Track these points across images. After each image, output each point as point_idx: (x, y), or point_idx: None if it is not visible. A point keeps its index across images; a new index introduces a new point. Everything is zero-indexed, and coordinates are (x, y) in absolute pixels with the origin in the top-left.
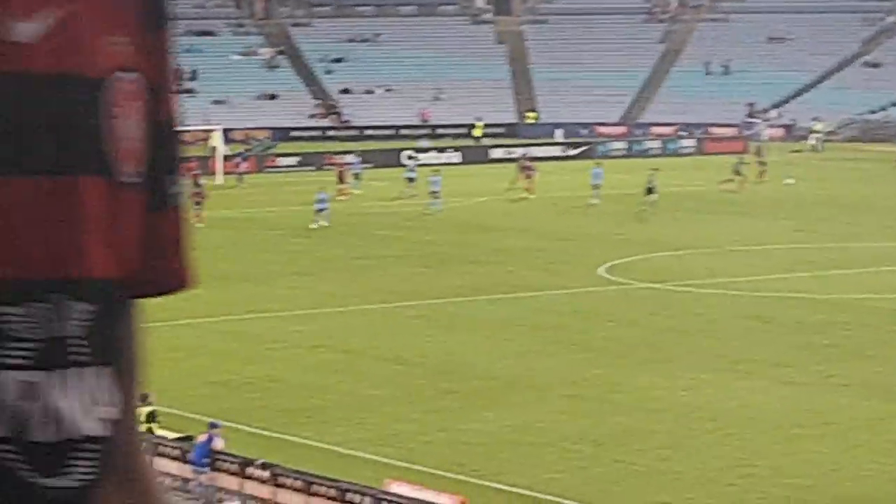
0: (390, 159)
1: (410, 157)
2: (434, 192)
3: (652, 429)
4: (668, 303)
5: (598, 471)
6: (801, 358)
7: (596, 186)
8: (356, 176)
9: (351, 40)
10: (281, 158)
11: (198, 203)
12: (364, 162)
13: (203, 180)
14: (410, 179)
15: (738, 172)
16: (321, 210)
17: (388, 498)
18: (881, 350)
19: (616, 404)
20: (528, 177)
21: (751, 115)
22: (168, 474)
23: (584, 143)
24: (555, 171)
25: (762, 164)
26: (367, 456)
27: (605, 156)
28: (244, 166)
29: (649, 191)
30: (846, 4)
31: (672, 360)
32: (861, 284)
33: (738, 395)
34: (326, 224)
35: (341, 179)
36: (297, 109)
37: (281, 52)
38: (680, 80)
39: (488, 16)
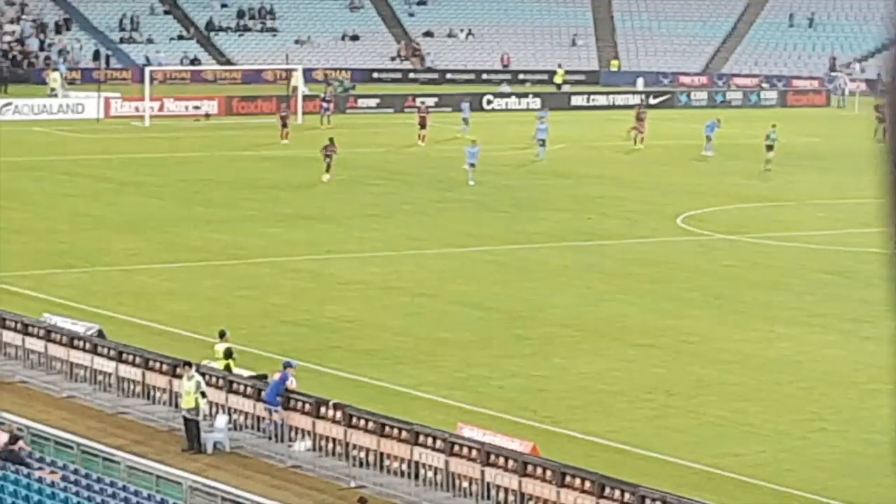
0: (473, 103)
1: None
2: (541, 140)
3: (725, 380)
4: (745, 255)
5: (669, 421)
6: (877, 314)
7: (709, 138)
8: (465, 121)
9: None
10: (361, 100)
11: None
12: (442, 105)
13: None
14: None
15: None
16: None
17: (461, 441)
18: None
19: (690, 355)
20: (640, 129)
21: (832, 69)
22: (242, 412)
23: (665, 92)
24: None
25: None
26: (440, 399)
27: (687, 106)
28: (329, 107)
29: (769, 148)
30: None
31: (747, 313)
32: None
33: (813, 349)
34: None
35: (422, 124)
36: (378, 51)
37: None
38: (763, 31)
39: None
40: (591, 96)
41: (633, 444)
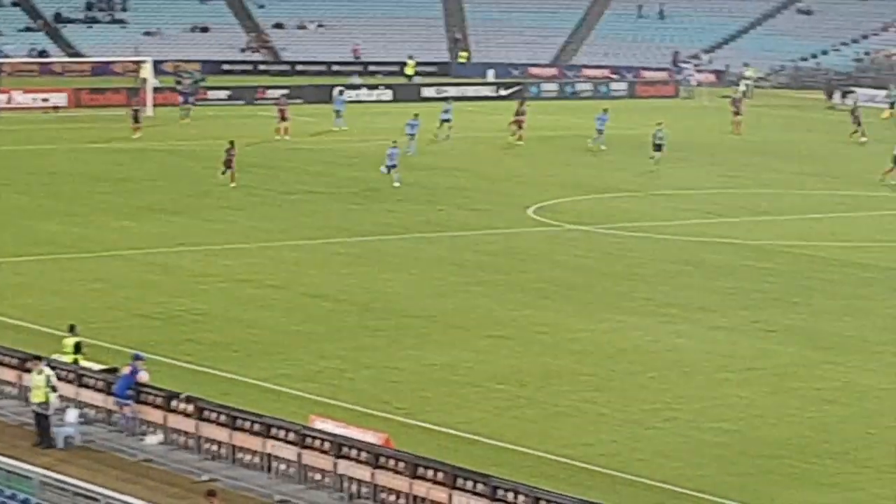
0: (322, 95)
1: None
2: (411, 135)
3: (576, 370)
4: (596, 245)
5: (521, 411)
6: (726, 303)
7: (600, 131)
8: (338, 113)
9: None
10: (212, 92)
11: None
12: (293, 97)
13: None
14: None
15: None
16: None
17: (313, 434)
18: (806, 297)
19: (542, 345)
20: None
21: (675, 62)
22: (93, 406)
23: (515, 83)
24: (485, 111)
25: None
26: (293, 391)
27: (537, 97)
28: (190, 100)
29: (657, 147)
30: None
31: (598, 303)
32: (788, 231)
33: (663, 339)
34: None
35: (283, 117)
36: (228, 43)
37: None
38: (612, 22)
39: None
40: (442, 87)
41: (486, 434)
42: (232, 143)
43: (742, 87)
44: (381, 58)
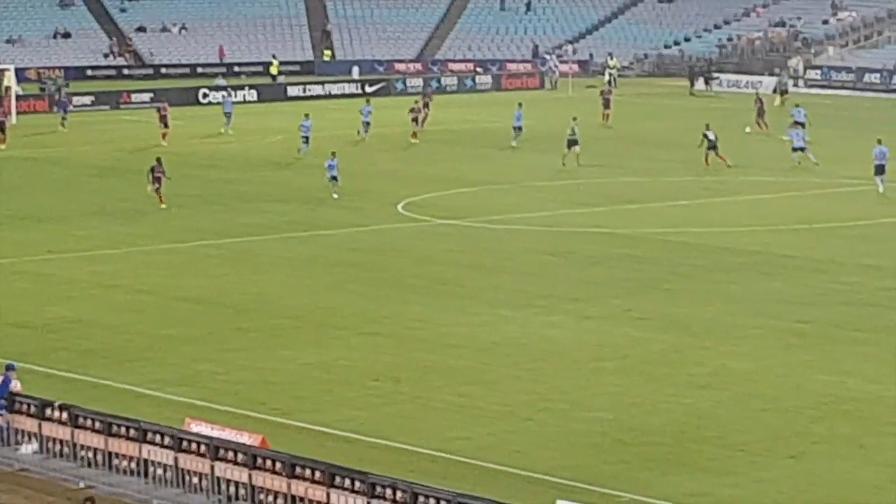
0: (188, 98)
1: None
2: (305, 139)
3: (452, 365)
4: (466, 239)
5: (398, 408)
6: (599, 292)
7: (518, 129)
8: (228, 116)
9: None
10: (76, 98)
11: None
12: (159, 101)
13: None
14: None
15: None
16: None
17: (189, 437)
18: (677, 284)
19: (416, 341)
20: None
21: (535, 54)
22: None
23: (380, 80)
24: (351, 108)
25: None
26: (168, 396)
27: (403, 93)
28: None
29: (571, 143)
30: None
31: (471, 297)
32: (656, 219)
33: (537, 330)
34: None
35: (164, 122)
36: (91, 48)
37: None
38: (475, 16)
39: None
40: (307, 86)
41: (363, 432)
42: (159, 159)
43: (606, 77)
44: (246, 58)
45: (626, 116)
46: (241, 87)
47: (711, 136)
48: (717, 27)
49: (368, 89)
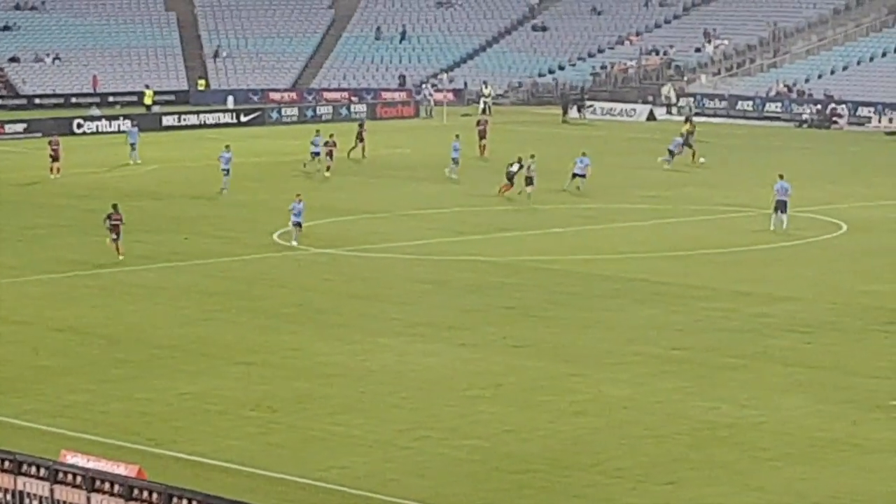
0: (62, 128)
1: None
2: (225, 170)
3: (329, 394)
4: (343, 268)
5: (275, 437)
6: (475, 320)
7: (455, 160)
8: (133, 146)
9: (17, 8)
10: None
11: None
12: (32, 131)
13: None
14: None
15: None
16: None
17: (65, 469)
18: (553, 311)
19: (293, 370)
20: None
21: (402, 84)
22: None
23: (255, 109)
24: (226, 137)
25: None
26: (43, 427)
27: (278, 122)
28: None
29: (529, 181)
30: None
31: (348, 325)
32: (531, 246)
33: (413, 359)
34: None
35: (55, 156)
36: None
37: None
38: (350, 45)
39: None
40: (182, 116)
41: (239, 462)
42: (115, 206)
43: (481, 105)
44: (120, 88)
45: (501, 144)
46: (116, 117)
47: (514, 169)
48: (590, 55)
49: (243, 119)
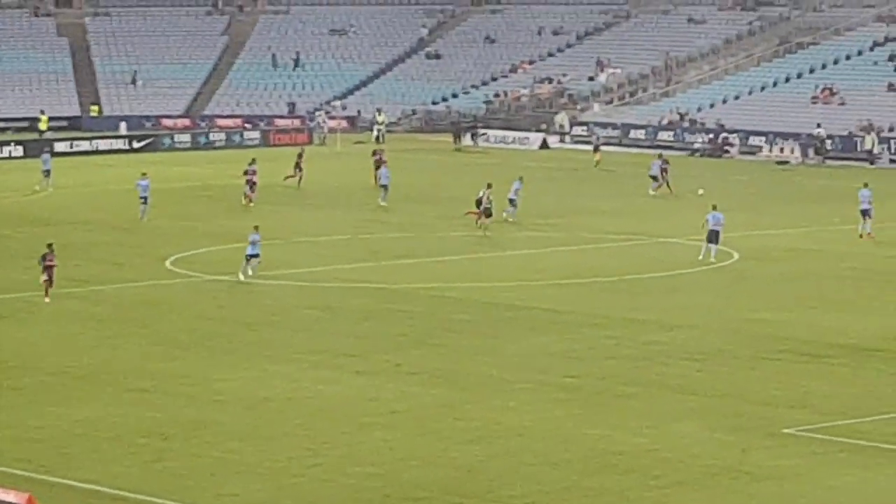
0: None
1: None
2: (143, 199)
3: (221, 421)
4: (236, 294)
5: (167, 464)
6: (369, 347)
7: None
8: (47, 173)
9: None
10: None
11: None
12: None
13: None
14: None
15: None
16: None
17: None
18: (447, 339)
19: (186, 397)
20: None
21: (292, 111)
22: None
23: (148, 135)
24: (119, 164)
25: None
26: None
27: (171, 148)
28: None
29: (488, 213)
30: None
31: (241, 352)
32: (426, 274)
33: (307, 386)
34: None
35: None
36: None
37: None
38: (245, 72)
39: (50, 8)
40: (75, 142)
41: (131, 489)
42: (51, 246)
43: (375, 133)
44: (12, 114)
45: (394, 172)
46: (7, 143)
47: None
48: (484, 83)
49: (136, 145)
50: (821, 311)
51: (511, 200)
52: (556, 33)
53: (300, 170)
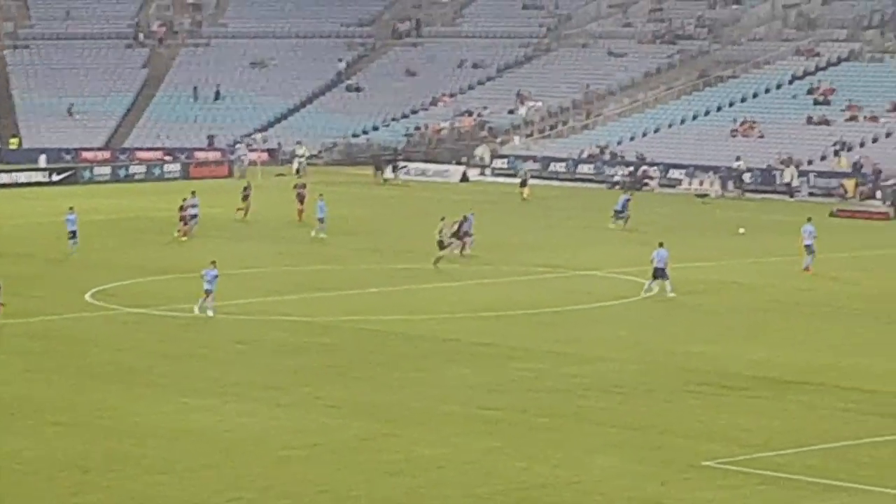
0: None
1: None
2: (72, 233)
3: (142, 454)
4: (156, 327)
5: (86, 497)
6: (290, 380)
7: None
8: None
9: None
10: None
11: None
12: None
13: None
14: None
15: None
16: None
17: None
18: (368, 371)
19: (106, 429)
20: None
21: (211, 144)
22: None
23: (67, 168)
24: (39, 196)
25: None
26: None
27: (91, 181)
28: None
29: (441, 245)
30: (328, 29)
31: (161, 385)
32: (347, 306)
33: (228, 419)
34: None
35: None
36: None
37: None
38: (166, 104)
39: None
40: None
41: None
42: None
43: (295, 165)
44: None
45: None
46: None
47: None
48: (404, 116)
49: (56, 177)
50: (743, 343)
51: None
52: (476, 66)
53: (246, 200)
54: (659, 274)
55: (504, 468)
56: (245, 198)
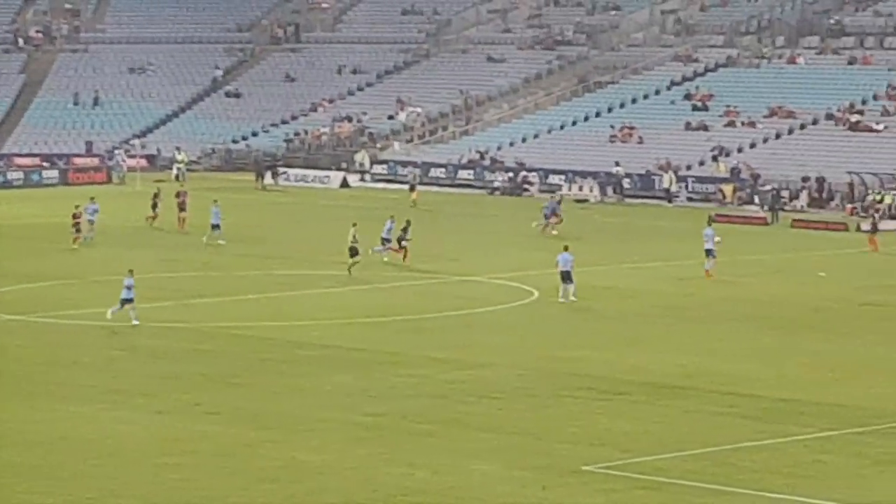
0: None
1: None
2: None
3: (18, 462)
4: (33, 334)
5: None
6: (168, 387)
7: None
8: None
9: None
10: None
11: None
12: None
13: None
14: None
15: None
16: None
17: None
18: (248, 378)
19: None
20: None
21: (89, 151)
22: None
23: None
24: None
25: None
26: None
27: None
28: None
29: (353, 251)
30: (207, 35)
31: (39, 393)
32: (225, 313)
33: (105, 426)
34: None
35: None
36: None
37: None
38: (44, 110)
39: None
40: None
41: None
42: None
43: (175, 171)
44: None
45: (196, 211)
46: None
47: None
48: (284, 122)
49: None
50: (622, 348)
51: (384, 239)
52: (355, 72)
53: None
54: (565, 277)
55: (384, 474)
56: (154, 206)
